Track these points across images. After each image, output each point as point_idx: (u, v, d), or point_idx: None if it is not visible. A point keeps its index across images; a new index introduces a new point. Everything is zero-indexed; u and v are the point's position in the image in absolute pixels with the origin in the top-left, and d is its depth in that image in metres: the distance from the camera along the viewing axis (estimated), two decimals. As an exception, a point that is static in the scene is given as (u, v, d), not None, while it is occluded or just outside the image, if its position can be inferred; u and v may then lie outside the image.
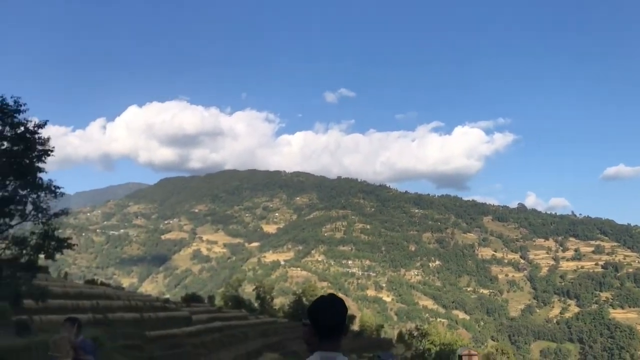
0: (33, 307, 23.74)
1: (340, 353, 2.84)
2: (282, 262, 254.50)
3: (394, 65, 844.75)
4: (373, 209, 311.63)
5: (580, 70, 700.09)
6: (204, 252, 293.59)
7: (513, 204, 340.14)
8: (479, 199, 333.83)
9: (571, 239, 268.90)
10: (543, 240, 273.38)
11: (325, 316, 2.82)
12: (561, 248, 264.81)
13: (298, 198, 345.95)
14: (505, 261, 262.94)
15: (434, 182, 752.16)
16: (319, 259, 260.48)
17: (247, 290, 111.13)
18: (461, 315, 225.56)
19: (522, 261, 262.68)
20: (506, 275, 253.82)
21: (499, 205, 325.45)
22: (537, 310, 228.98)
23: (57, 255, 25.57)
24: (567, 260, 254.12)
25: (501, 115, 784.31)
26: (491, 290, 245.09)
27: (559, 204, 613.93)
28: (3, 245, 24.58)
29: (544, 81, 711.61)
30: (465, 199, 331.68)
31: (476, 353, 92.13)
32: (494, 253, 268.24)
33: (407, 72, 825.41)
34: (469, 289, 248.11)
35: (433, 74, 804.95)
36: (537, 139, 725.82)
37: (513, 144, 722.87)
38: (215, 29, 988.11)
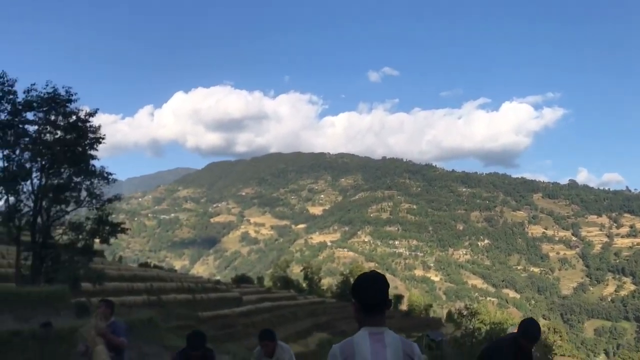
0: (90, 289, 24.69)
1: (386, 327, 2.90)
2: (329, 243, 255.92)
3: (438, 42, 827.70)
4: (419, 189, 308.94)
5: (635, 40, 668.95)
6: (252, 234, 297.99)
7: (564, 181, 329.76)
8: (528, 176, 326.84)
9: (626, 215, 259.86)
10: (596, 216, 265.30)
11: (367, 292, 2.86)
12: (615, 225, 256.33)
13: (343, 179, 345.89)
14: (556, 239, 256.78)
15: (482, 160, 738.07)
16: (366, 240, 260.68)
17: (295, 271, 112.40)
18: (511, 294, 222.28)
19: (574, 238, 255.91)
20: (557, 253, 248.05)
21: (549, 182, 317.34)
22: (591, 289, 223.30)
23: (112, 240, 26.53)
24: (622, 237, 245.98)
25: (550, 90, 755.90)
26: (542, 269, 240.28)
27: (612, 179, 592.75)
28: (60, 231, 25.62)
29: (595, 52, 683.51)
30: (514, 176, 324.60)
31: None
32: (545, 231, 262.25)
33: (452, 49, 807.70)
34: (519, 268, 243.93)
35: (479, 49, 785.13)
36: (589, 113, 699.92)
37: (563, 118, 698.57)
38: (256, 12, 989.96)
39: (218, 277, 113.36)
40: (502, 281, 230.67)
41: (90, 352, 6.40)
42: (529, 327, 5.08)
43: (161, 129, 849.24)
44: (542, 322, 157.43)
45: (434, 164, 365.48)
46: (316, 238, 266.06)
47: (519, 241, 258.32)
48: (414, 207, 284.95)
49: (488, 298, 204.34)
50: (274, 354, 6.74)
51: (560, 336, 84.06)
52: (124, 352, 6.91)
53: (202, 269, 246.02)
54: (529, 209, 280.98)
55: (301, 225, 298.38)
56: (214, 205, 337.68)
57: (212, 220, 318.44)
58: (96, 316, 6.83)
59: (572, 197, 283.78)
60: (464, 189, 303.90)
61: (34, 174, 24.23)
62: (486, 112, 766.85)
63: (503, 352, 5.24)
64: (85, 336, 6.56)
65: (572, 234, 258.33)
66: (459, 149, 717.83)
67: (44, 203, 24.44)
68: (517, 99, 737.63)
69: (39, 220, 24.32)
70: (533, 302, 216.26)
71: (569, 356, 79.02)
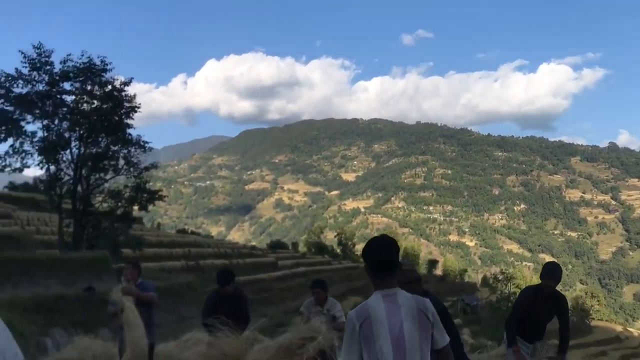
0: (130, 255, 25.34)
1: (398, 288, 2.95)
2: (362, 210, 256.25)
3: (473, 1, 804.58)
4: (454, 154, 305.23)
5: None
6: (286, 201, 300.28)
7: (603, 144, 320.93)
8: (566, 139, 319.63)
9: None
10: (637, 180, 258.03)
11: (377, 254, 2.95)
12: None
13: (376, 145, 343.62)
14: (595, 203, 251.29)
15: (518, 124, 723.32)
16: (399, 206, 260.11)
17: (329, 237, 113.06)
18: (548, 258, 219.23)
19: (613, 202, 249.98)
20: (596, 217, 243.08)
21: (587, 145, 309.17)
22: (630, 253, 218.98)
23: (150, 207, 27.07)
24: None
25: (590, 50, 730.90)
26: (579, 233, 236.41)
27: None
28: (100, 199, 26.27)
29: (637, 10, 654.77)
30: (552, 139, 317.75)
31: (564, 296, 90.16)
32: (583, 195, 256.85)
33: (488, 9, 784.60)
34: (555, 232, 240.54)
35: (515, 9, 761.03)
36: (630, 73, 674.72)
37: (603, 79, 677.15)
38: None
39: (253, 243, 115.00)
40: (539, 246, 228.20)
41: (120, 312, 6.58)
42: (549, 268, 5.66)
43: (195, 97, 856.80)
44: (579, 286, 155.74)
45: (469, 128, 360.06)
46: (349, 204, 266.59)
47: (556, 205, 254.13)
48: (449, 172, 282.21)
49: (524, 263, 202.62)
50: (325, 304, 6.89)
51: (598, 301, 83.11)
52: (153, 308, 7.06)
53: (238, 235, 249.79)
54: (566, 172, 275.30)
55: (334, 192, 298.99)
56: (248, 173, 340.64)
57: (246, 187, 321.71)
58: (129, 271, 7.02)
59: (612, 160, 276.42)
60: (500, 153, 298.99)
61: (73, 143, 24.76)
62: (523, 74, 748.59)
63: (528, 296, 5.76)
64: (116, 298, 6.76)
65: (612, 198, 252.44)
66: (495, 113, 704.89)
67: (83, 171, 25.02)
68: (555, 61, 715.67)
69: (79, 188, 24.93)
70: (570, 266, 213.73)
71: (606, 321, 78.22)
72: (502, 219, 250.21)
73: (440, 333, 2.93)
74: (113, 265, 18.94)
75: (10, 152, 23.35)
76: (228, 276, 7.03)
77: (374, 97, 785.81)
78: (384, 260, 2.94)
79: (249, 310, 7.06)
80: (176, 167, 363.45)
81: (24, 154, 23.60)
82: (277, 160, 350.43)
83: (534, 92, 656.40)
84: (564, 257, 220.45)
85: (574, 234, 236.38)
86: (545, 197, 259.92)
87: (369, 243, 3.03)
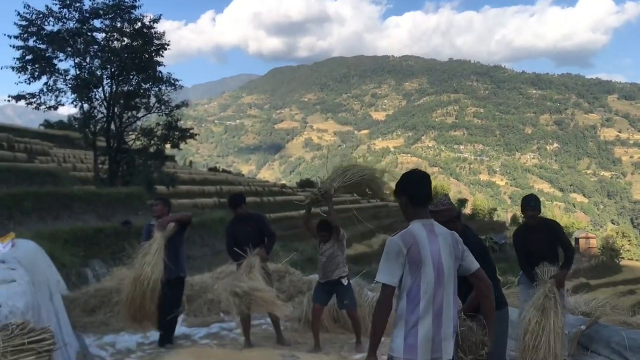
0: (164, 192, 25.88)
1: (432, 219, 3.13)
2: (392, 149, 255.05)
3: None
4: (487, 92, 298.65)
5: None
6: (315, 140, 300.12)
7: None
8: (604, 76, 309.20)
9: None
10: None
11: (417, 187, 3.11)
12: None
13: (407, 83, 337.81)
14: (631, 142, 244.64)
15: (554, 60, 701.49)
16: (430, 145, 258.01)
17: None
18: (579, 198, 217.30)
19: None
20: (631, 157, 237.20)
21: (626, 83, 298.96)
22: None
23: (181, 145, 27.44)
24: None
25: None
26: (613, 173, 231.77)
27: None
28: (133, 137, 26.71)
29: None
30: (588, 77, 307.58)
31: (594, 236, 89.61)
32: (618, 134, 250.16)
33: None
34: (588, 172, 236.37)
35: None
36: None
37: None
38: None
39: (284, 182, 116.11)
40: (570, 185, 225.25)
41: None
42: (525, 200, 5.97)
43: (223, 34, 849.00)
44: (610, 226, 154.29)
45: (503, 65, 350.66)
46: (379, 144, 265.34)
47: (590, 145, 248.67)
48: (481, 110, 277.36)
49: (555, 202, 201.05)
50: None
51: (629, 241, 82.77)
52: (182, 241, 7.09)
53: (268, 174, 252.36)
54: (602, 111, 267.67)
55: (364, 131, 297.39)
56: (277, 112, 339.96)
57: (275, 126, 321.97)
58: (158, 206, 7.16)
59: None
60: (534, 91, 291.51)
61: (105, 81, 24.99)
62: (561, 8, 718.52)
63: (520, 233, 6.00)
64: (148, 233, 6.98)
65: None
66: (530, 49, 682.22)
67: (116, 109, 25.36)
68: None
69: (112, 126, 25.36)
70: (602, 206, 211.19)
71: (637, 260, 77.99)
72: (533, 159, 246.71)
73: (471, 259, 3.11)
74: (148, 201, 19.43)
75: (45, 90, 23.72)
76: (239, 198, 7.19)
77: (406, 34, 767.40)
78: (425, 193, 3.10)
79: (268, 227, 7.16)
80: (206, 106, 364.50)
81: (57, 92, 23.96)
82: (306, 99, 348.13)
83: (572, 27, 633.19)
84: (596, 196, 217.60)
85: (607, 174, 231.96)
86: (579, 136, 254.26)
87: (408, 177, 3.15)
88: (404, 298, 2.96)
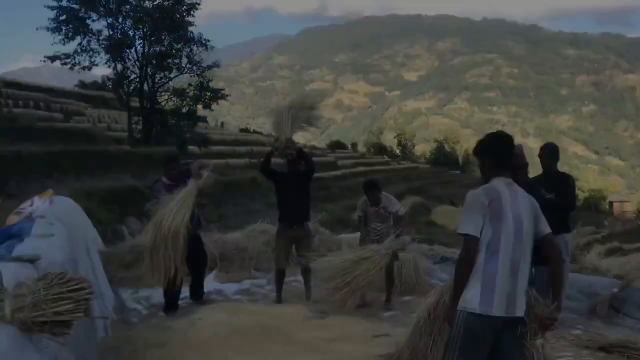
0: (196, 152, 26.17)
1: (512, 180, 3.25)
2: (424, 110, 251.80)
3: None
4: (522, 52, 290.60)
5: None
6: (346, 101, 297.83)
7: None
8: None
9: None
10: None
11: (505, 149, 3.24)
12: None
13: (440, 43, 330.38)
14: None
15: (594, 19, 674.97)
16: (462, 106, 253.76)
17: (389, 138, 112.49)
18: (615, 161, 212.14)
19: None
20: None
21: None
22: None
23: (213, 105, 27.57)
24: None
25: None
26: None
27: None
28: (165, 97, 26.94)
29: None
30: (630, 36, 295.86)
31: (629, 201, 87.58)
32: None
33: None
34: (625, 134, 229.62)
35: None
36: None
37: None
38: None
39: (313, 143, 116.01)
40: (606, 148, 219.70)
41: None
42: (547, 148, 6.36)
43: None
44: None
45: (539, 25, 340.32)
46: (410, 105, 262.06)
47: (629, 107, 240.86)
48: (516, 71, 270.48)
49: (589, 165, 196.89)
50: (380, 203, 7.09)
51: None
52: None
53: (298, 136, 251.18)
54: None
55: (395, 92, 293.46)
56: (308, 73, 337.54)
57: (306, 88, 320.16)
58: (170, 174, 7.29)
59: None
60: (571, 52, 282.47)
61: (137, 42, 25.09)
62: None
63: (535, 185, 5.84)
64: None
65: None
66: (569, 7, 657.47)
67: (148, 70, 25.50)
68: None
69: (145, 87, 25.57)
70: (638, 169, 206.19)
71: (674, 225, 76.12)
72: (568, 121, 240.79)
73: (544, 222, 3.17)
74: (181, 161, 19.74)
75: (79, 50, 23.92)
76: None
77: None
78: (510, 156, 3.28)
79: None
80: (237, 67, 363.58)
81: (91, 53, 24.13)
82: (337, 60, 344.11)
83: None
84: (632, 160, 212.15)
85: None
86: (617, 97, 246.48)
87: (496, 139, 3.29)
88: (483, 250, 3.00)
